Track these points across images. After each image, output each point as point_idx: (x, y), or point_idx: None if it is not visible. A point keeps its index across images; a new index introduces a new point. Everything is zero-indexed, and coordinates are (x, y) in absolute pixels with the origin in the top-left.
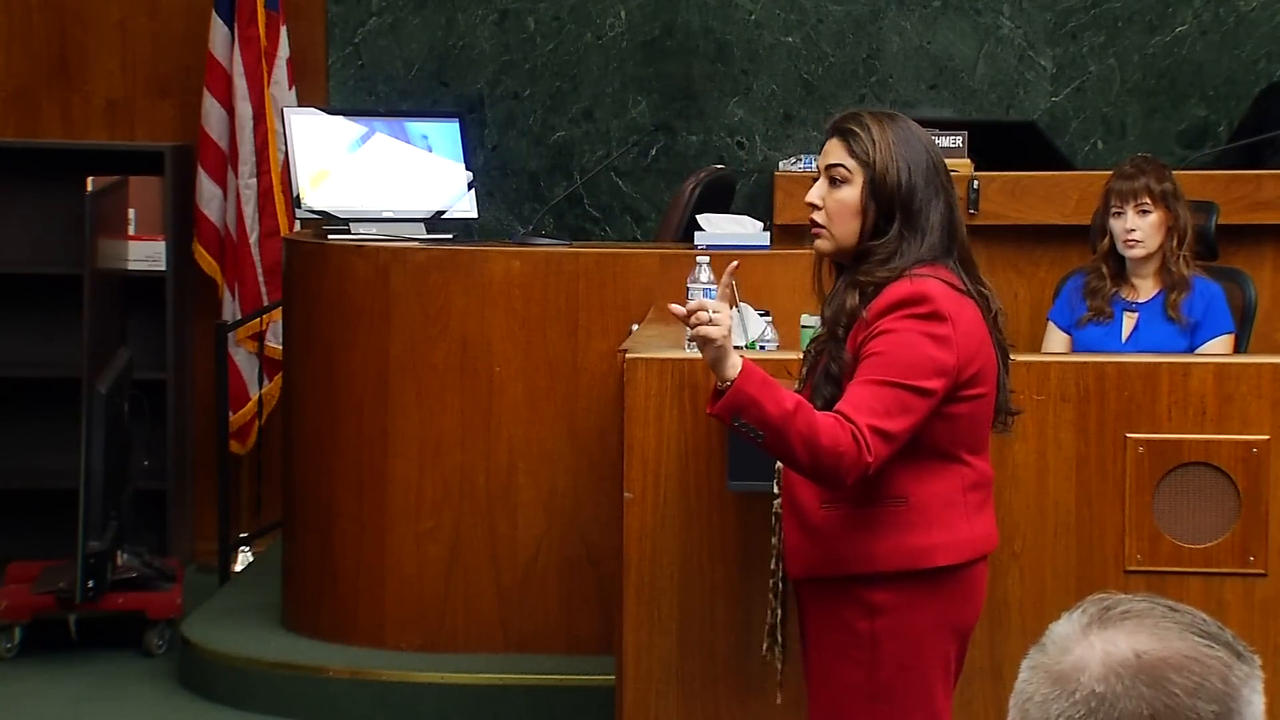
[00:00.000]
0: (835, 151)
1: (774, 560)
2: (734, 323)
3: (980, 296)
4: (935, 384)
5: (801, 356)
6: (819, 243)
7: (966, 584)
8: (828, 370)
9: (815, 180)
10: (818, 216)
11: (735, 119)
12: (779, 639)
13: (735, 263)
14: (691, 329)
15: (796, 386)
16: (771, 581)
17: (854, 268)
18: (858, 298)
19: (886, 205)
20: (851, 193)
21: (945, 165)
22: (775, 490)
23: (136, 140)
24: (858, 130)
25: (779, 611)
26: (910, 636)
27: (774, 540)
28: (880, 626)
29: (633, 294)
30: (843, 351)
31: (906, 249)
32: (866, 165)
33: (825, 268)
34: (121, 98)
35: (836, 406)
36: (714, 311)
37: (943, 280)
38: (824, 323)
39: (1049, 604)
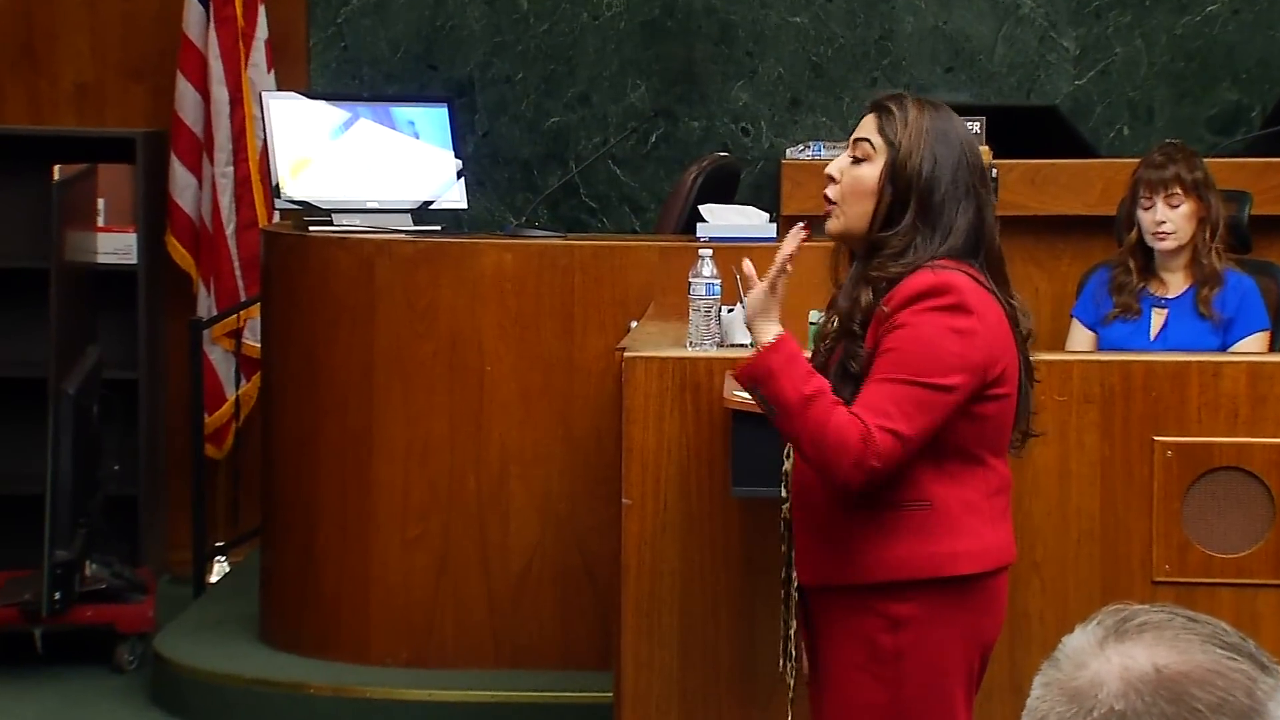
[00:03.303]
0: (866, 126)
1: (784, 569)
2: (738, 319)
3: (1009, 307)
4: (957, 380)
5: (812, 354)
6: (829, 222)
7: (990, 595)
8: (845, 369)
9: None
10: (831, 191)
11: (740, 104)
12: (793, 654)
13: None
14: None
15: None
16: (783, 593)
17: (866, 260)
18: (871, 293)
19: (904, 192)
20: (870, 171)
21: (985, 171)
22: (784, 494)
23: (106, 126)
24: (895, 109)
25: (793, 624)
26: (935, 651)
27: (784, 548)
28: (904, 641)
29: (631, 289)
30: (860, 348)
31: (922, 244)
32: (892, 146)
33: (843, 257)
34: (91, 81)
35: (852, 406)
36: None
37: (968, 274)
38: (836, 317)
39: (1071, 616)
